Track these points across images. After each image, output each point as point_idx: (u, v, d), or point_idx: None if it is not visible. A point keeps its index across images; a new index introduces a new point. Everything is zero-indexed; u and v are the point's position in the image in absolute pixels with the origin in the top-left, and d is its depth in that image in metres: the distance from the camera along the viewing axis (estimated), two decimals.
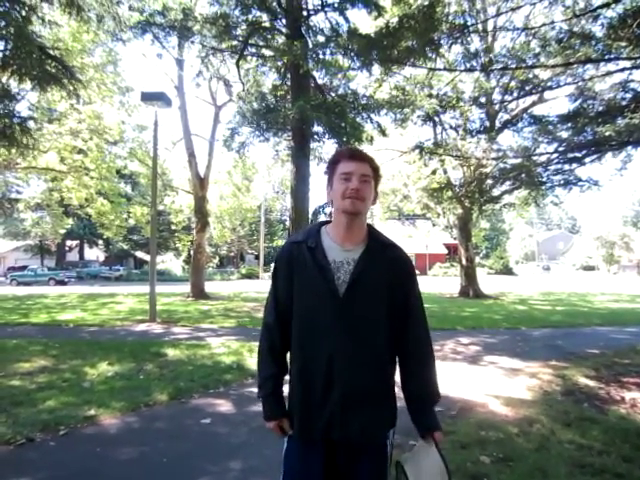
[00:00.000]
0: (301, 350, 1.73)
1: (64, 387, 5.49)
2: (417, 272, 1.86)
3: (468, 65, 8.81)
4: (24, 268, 38.24)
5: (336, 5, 11.26)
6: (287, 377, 1.83)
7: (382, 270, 1.71)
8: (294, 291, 1.74)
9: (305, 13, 11.63)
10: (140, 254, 52.56)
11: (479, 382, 6.05)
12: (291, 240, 1.85)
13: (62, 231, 31.15)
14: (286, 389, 1.80)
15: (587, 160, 10.25)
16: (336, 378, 1.65)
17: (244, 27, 11.86)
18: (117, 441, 3.96)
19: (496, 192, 18.46)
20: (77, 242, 52.02)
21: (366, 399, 1.67)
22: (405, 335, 1.75)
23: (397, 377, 1.79)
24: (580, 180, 13.91)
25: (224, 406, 5.00)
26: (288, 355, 1.83)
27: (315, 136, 12.34)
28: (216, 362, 6.93)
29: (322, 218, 11.44)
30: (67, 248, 51.32)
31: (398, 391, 1.77)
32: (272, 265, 1.89)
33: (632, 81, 8.20)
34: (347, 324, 1.65)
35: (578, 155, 9.80)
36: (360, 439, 1.67)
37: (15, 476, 3.30)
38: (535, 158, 10.81)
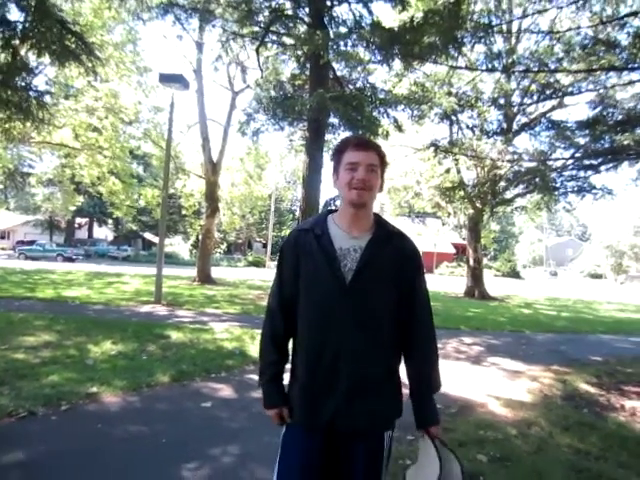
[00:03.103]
0: (307, 338, 1.70)
1: (67, 363, 5.53)
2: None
3: (490, 65, 8.73)
4: (33, 243, 38.61)
5: None
6: (288, 365, 1.82)
7: (389, 258, 1.69)
8: (300, 279, 1.71)
9: (329, 3, 11.53)
10: (149, 236, 52.87)
11: (480, 382, 6.05)
12: (298, 228, 1.83)
13: (72, 208, 31.36)
14: (286, 377, 1.80)
15: (603, 168, 10.17)
16: (342, 368, 1.63)
17: (266, 13, 11.79)
18: (118, 419, 3.99)
19: (509, 194, 18.45)
20: (87, 220, 52.47)
21: (372, 389, 1.66)
22: (409, 324, 1.73)
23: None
24: (594, 188, 13.84)
25: (225, 391, 5.03)
26: (290, 343, 1.81)
27: (330, 128, 12.28)
28: (219, 347, 6.97)
29: None
30: (77, 225, 51.73)
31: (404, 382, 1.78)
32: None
33: None
34: (353, 312, 1.63)
35: (594, 162, 9.74)
36: (367, 429, 1.67)
37: (16, 448, 3.34)
38: (550, 163, 10.75)
